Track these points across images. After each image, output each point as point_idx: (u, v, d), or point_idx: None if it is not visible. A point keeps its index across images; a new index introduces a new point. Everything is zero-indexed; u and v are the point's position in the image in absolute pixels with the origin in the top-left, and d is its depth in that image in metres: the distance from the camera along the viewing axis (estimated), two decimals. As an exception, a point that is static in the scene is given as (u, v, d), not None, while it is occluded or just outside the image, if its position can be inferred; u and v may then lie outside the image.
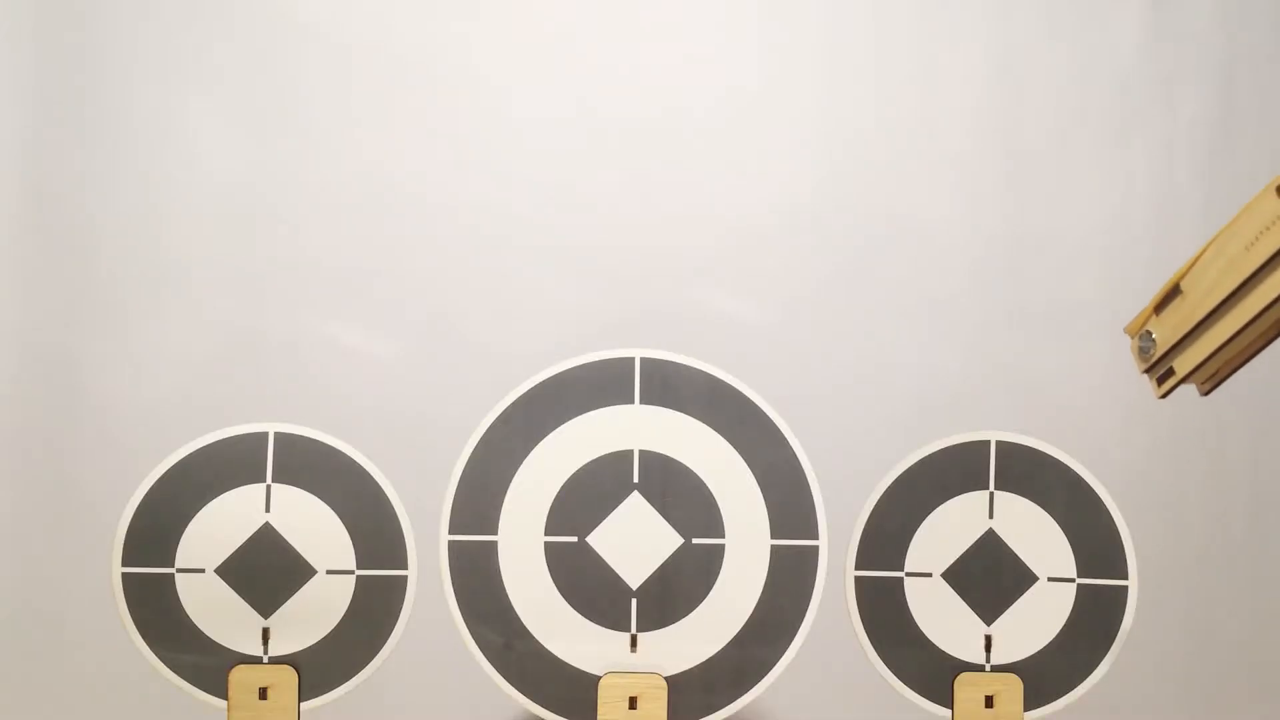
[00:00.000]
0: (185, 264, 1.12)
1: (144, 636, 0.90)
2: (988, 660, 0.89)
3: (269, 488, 0.92)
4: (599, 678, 0.90)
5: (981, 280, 1.17)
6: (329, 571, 0.91)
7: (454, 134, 1.15)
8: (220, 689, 0.90)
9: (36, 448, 1.11)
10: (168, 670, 0.90)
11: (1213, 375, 0.57)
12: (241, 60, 1.13)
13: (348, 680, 0.91)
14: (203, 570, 0.91)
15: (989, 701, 0.88)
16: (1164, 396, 0.60)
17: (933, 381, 1.16)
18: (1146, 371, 0.60)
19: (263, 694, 0.90)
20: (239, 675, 0.90)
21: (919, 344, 1.17)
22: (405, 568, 0.92)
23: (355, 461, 0.93)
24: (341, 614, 0.91)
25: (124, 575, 0.90)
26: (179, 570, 0.90)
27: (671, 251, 1.17)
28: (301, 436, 0.92)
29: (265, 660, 0.91)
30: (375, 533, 0.92)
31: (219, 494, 0.91)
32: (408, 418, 1.13)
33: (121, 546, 0.90)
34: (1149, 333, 0.58)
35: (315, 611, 0.91)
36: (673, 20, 1.19)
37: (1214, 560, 1.18)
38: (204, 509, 0.91)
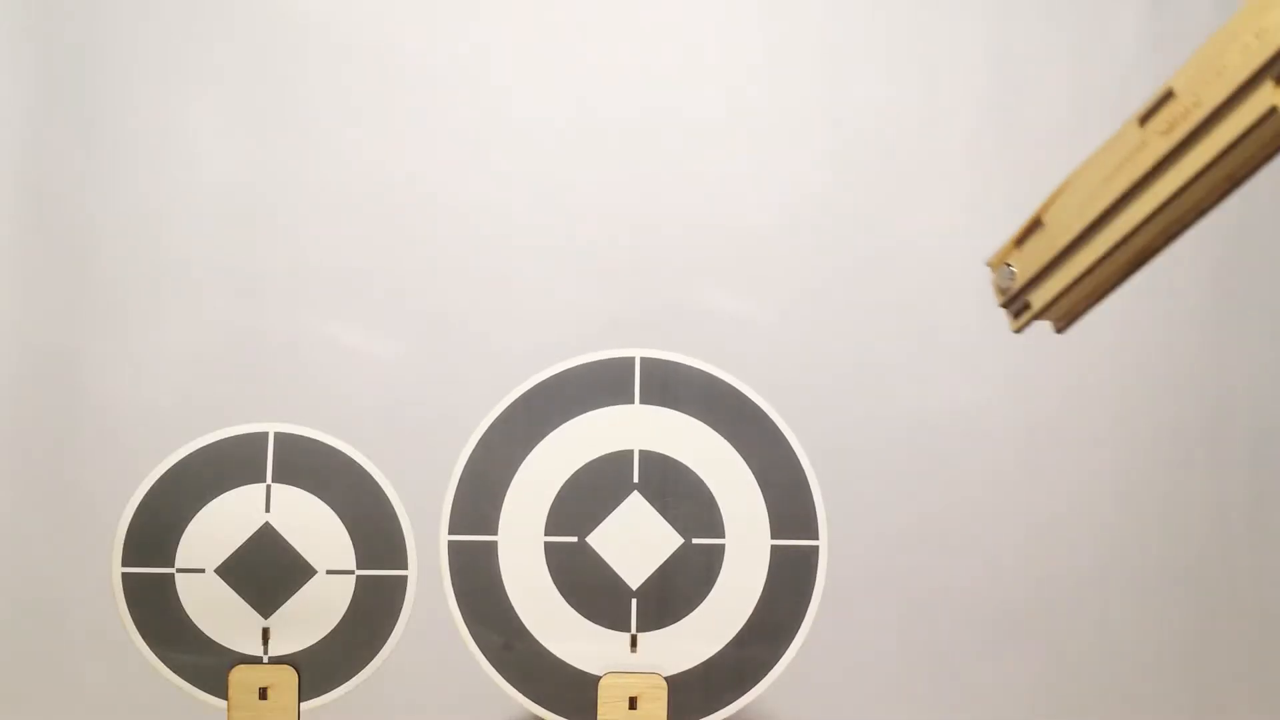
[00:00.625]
0: (185, 264, 1.11)
1: (144, 636, 0.90)
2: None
3: (269, 488, 0.92)
4: (599, 678, 0.90)
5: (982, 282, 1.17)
6: (329, 571, 0.91)
7: (454, 134, 1.15)
8: (220, 689, 0.90)
9: (36, 447, 1.11)
10: (168, 670, 0.90)
11: (1068, 312, 0.56)
12: (242, 60, 1.13)
13: (348, 680, 0.91)
14: (203, 570, 0.91)
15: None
16: (1019, 331, 0.59)
17: (924, 385, 1.16)
18: (1005, 305, 0.59)
19: (263, 694, 0.90)
20: (239, 675, 0.90)
21: (915, 349, 1.17)
22: (405, 568, 0.92)
23: (355, 461, 0.93)
24: (341, 614, 0.91)
25: (124, 575, 0.90)
26: (179, 570, 0.90)
27: (672, 251, 1.17)
28: (301, 436, 0.92)
29: (265, 660, 0.91)
30: (375, 533, 0.92)
31: (219, 494, 0.91)
32: (408, 418, 1.13)
33: (121, 546, 0.90)
34: (1008, 265, 0.57)
35: (315, 611, 0.91)
36: (674, 21, 1.19)
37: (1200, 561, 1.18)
38: (204, 509, 0.91)
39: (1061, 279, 0.54)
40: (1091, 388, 1.17)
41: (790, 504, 0.92)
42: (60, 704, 1.10)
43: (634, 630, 0.91)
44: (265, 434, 0.92)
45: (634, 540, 0.91)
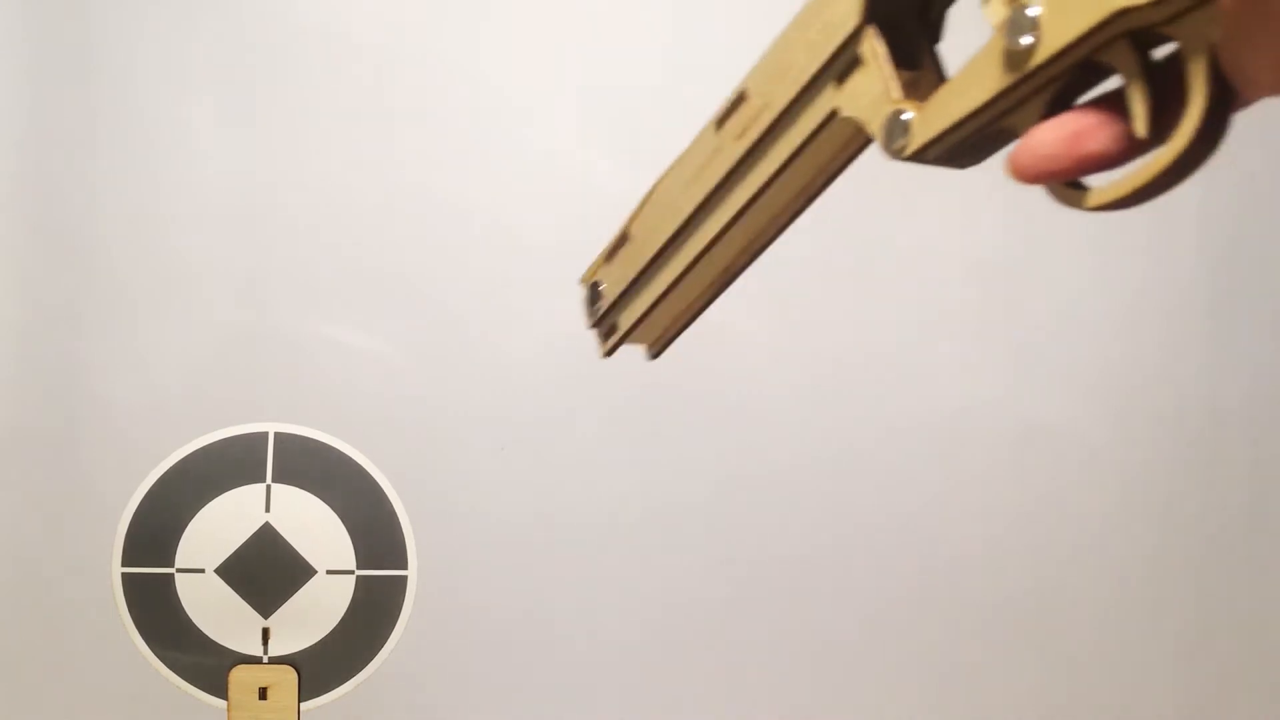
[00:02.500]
0: (184, 263, 1.12)
1: (144, 636, 0.90)
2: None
3: (269, 488, 0.92)
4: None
5: (982, 282, 1.17)
6: (329, 571, 0.91)
7: (456, 134, 1.15)
8: (220, 689, 0.90)
9: (35, 447, 1.11)
10: (167, 670, 0.90)
11: (660, 335, 0.51)
12: (243, 59, 1.13)
13: (348, 680, 0.91)
14: (203, 570, 0.91)
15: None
16: (607, 355, 0.52)
17: (922, 386, 1.16)
18: (593, 326, 0.52)
19: (263, 694, 0.90)
20: (239, 675, 0.90)
21: (913, 349, 1.17)
22: (405, 568, 0.92)
23: (355, 461, 0.93)
24: (342, 614, 0.91)
25: (124, 575, 0.90)
26: (179, 570, 0.91)
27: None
28: (301, 436, 0.92)
29: (265, 660, 0.91)
30: (375, 533, 0.92)
31: (219, 494, 0.91)
32: (408, 418, 1.13)
33: (121, 546, 0.90)
34: (597, 283, 0.51)
35: (315, 612, 0.91)
36: (675, 23, 1.19)
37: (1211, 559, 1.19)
38: (204, 509, 0.91)
39: (646, 298, 0.49)
40: (1091, 387, 1.17)
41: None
42: (58, 704, 1.10)
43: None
44: (265, 434, 0.92)
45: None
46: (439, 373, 1.13)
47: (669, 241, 0.47)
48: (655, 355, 0.52)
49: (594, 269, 0.52)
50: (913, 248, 1.15)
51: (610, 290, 0.51)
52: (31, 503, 1.09)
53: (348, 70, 1.14)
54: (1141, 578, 1.18)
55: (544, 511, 1.03)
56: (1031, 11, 0.32)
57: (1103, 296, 1.17)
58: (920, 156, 0.37)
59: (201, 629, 0.91)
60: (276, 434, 0.92)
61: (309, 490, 0.92)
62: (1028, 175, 0.33)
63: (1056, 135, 0.32)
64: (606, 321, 0.51)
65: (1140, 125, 0.31)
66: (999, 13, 0.33)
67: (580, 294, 0.53)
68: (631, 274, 0.49)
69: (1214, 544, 1.18)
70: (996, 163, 0.37)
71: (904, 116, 0.36)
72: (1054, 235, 1.15)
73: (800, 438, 1.06)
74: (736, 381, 1.07)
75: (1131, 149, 0.32)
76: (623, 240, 0.50)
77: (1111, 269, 1.16)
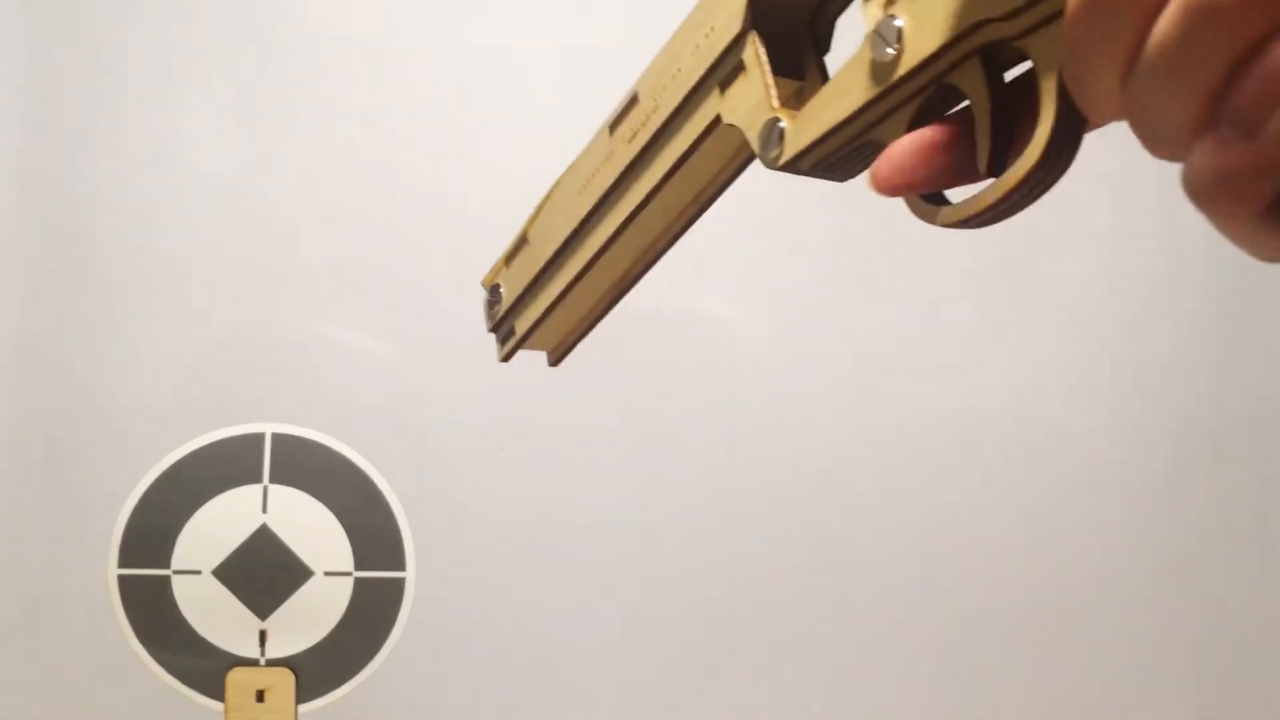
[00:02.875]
0: (183, 264, 1.11)
1: (140, 638, 0.90)
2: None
3: (266, 489, 0.91)
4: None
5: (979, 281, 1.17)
6: (327, 573, 0.91)
7: (457, 134, 1.15)
8: (217, 691, 0.89)
9: (33, 448, 1.10)
10: (164, 673, 0.89)
11: (558, 342, 0.50)
12: (243, 58, 1.12)
13: (346, 682, 0.91)
14: (199, 572, 0.90)
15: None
16: (504, 360, 0.52)
17: (922, 386, 1.16)
18: (492, 330, 0.51)
19: (260, 696, 0.90)
20: (236, 677, 0.90)
21: (914, 349, 1.16)
22: (403, 570, 0.91)
23: (353, 462, 0.92)
24: (339, 616, 0.91)
25: (120, 577, 0.89)
26: (175, 572, 0.90)
27: (673, 250, 1.16)
28: (299, 437, 0.92)
29: (262, 663, 0.90)
30: (373, 534, 0.91)
31: (216, 495, 0.91)
32: (408, 418, 1.13)
33: (118, 548, 0.89)
34: (497, 286, 0.51)
35: (313, 614, 0.90)
36: (673, 26, 1.19)
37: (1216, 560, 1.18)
38: (201, 510, 0.91)
39: (542, 303, 0.48)
40: (1099, 389, 1.17)
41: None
42: (56, 706, 1.09)
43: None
44: (262, 434, 0.91)
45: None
46: (438, 373, 1.12)
47: (564, 246, 0.46)
48: (555, 362, 0.51)
49: (494, 272, 0.51)
50: (916, 248, 1.14)
51: (509, 294, 0.50)
52: (27, 503, 1.09)
53: (349, 70, 1.13)
54: (1149, 579, 1.18)
55: (543, 513, 1.02)
56: (897, 23, 0.32)
57: (1111, 297, 1.16)
58: (794, 167, 0.36)
59: (198, 631, 0.90)
60: (274, 434, 0.91)
61: (306, 491, 0.92)
62: (884, 186, 0.33)
63: (914, 147, 0.32)
64: (505, 325, 0.51)
65: (981, 159, 0.31)
66: (872, 17, 0.33)
67: (481, 297, 0.52)
68: (528, 278, 0.48)
69: (1223, 546, 1.18)
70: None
71: (779, 125, 0.36)
72: (1062, 236, 1.15)
73: (803, 440, 1.05)
74: (738, 382, 1.07)
75: (979, 171, 0.32)
76: (521, 243, 0.49)
77: (1120, 270, 1.16)
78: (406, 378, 1.12)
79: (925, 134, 0.32)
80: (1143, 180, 1.15)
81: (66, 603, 1.09)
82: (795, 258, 1.14)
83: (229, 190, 1.12)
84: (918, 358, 1.14)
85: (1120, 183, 1.14)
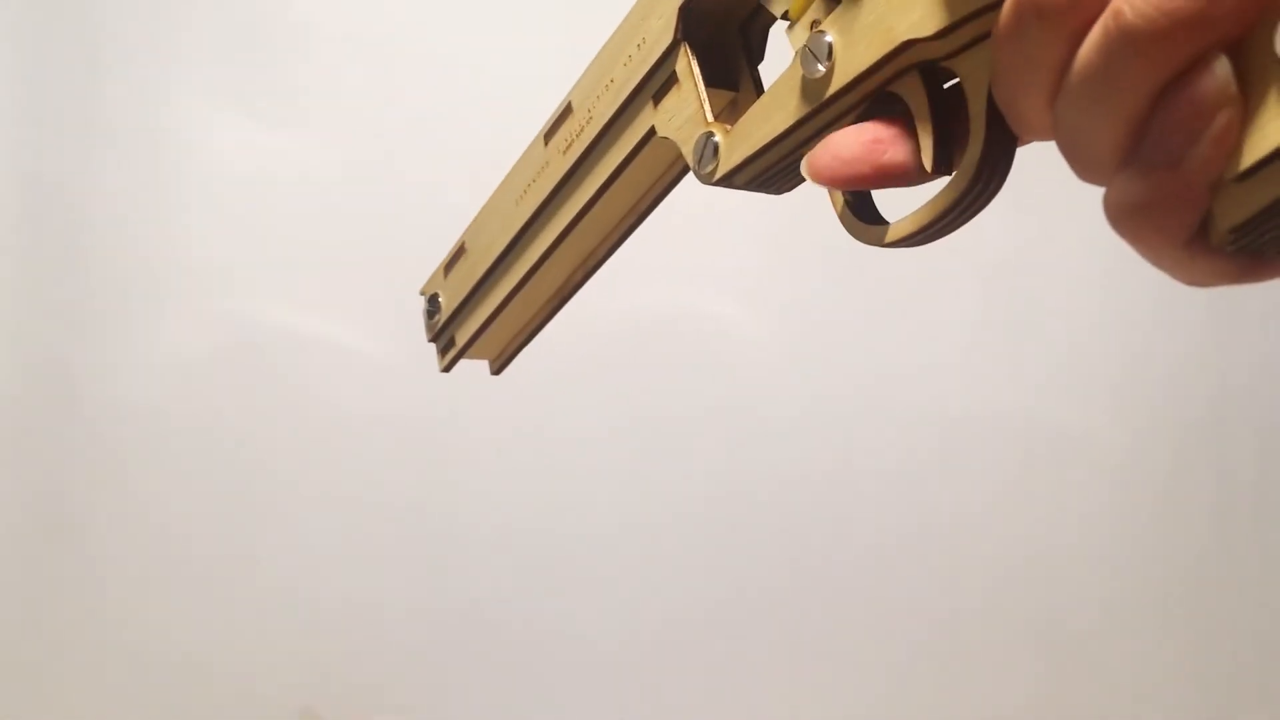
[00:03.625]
0: (183, 263, 1.11)
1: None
2: None
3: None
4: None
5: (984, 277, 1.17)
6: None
7: (458, 134, 1.15)
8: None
9: (31, 449, 1.10)
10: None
11: (499, 351, 0.49)
12: (243, 58, 1.12)
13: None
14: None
15: None
16: (445, 370, 0.51)
17: (922, 387, 1.16)
18: (432, 340, 0.51)
19: None
20: None
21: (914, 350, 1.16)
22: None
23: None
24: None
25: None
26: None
27: (672, 249, 1.16)
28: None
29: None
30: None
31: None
32: (405, 419, 1.13)
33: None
34: (435, 295, 0.50)
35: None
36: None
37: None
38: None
39: (482, 313, 0.47)
40: (1101, 390, 1.17)
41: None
42: (50, 709, 1.10)
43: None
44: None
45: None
46: (438, 374, 1.12)
47: (502, 255, 0.46)
48: (497, 371, 0.51)
49: (432, 281, 0.51)
50: (919, 251, 1.14)
51: (448, 304, 0.49)
52: (23, 503, 1.09)
53: (351, 70, 1.13)
54: (1144, 577, 1.18)
55: (542, 514, 1.02)
56: (827, 39, 0.32)
57: (1115, 301, 1.16)
58: (728, 181, 0.36)
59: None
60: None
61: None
62: (823, 176, 0.33)
63: (857, 139, 0.32)
64: (444, 335, 0.50)
65: (926, 158, 0.31)
66: (798, 40, 0.33)
67: (420, 306, 0.51)
68: (467, 288, 0.48)
69: (1224, 546, 1.18)
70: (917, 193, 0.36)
71: (714, 140, 0.35)
72: (1066, 239, 1.15)
73: (806, 444, 1.05)
74: (740, 385, 1.07)
75: (921, 172, 0.32)
76: (459, 252, 0.49)
77: (1123, 273, 1.16)
78: (407, 378, 1.12)
79: (868, 128, 0.32)
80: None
81: (67, 604, 1.09)
82: (799, 261, 1.14)
83: (229, 189, 1.12)
84: (921, 361, 1.14)
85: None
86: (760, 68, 0.38)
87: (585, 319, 1.15)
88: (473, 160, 1.16)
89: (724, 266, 1.13)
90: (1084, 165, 0.28)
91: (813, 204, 1.16)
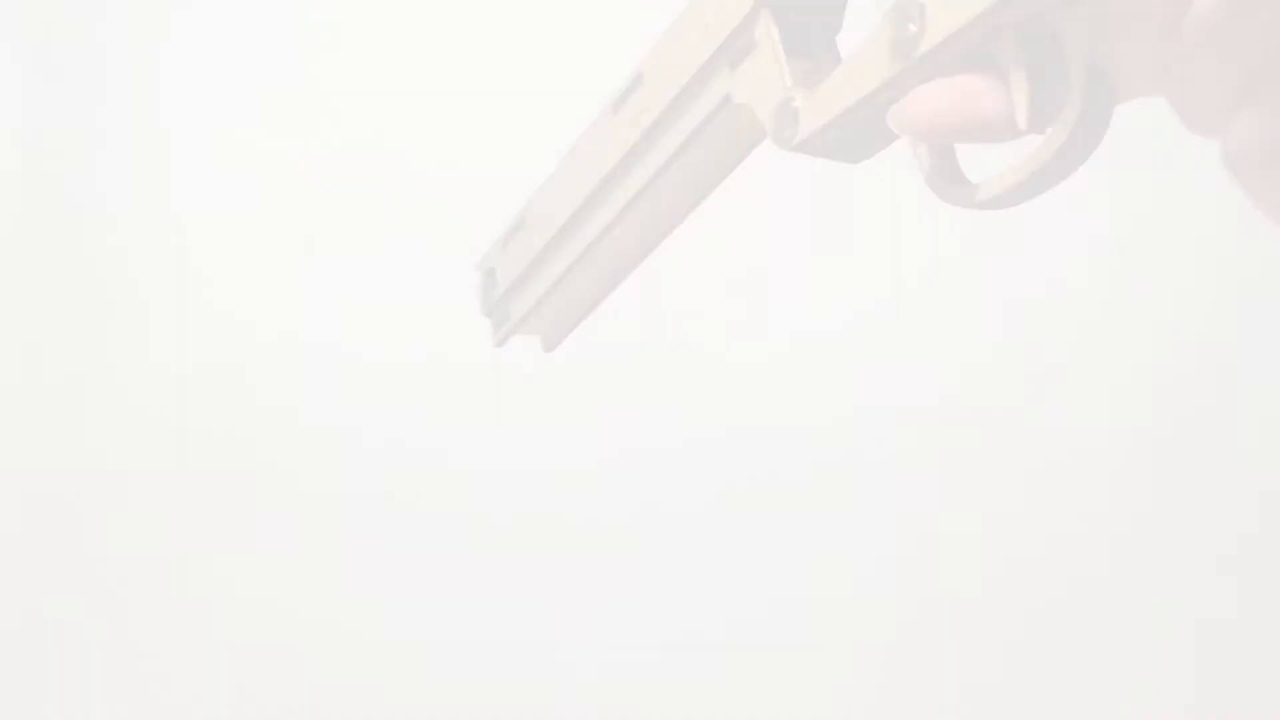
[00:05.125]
0: (183, 264, 1.11)
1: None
2: None
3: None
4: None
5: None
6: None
7: (459, 135, 1.15)
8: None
9: (30, 448, 1.10)
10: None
11: (554, 326, 0.49)
12: (243, 57, 1.12)
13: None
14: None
15: None
16: (499, 344, 0.51)
17: (920, 382, 1.16)
18: (487, 315, 0.51)
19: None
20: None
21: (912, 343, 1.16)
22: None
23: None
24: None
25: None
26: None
27: (673, 251, 1.16)
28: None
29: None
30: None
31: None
32: (404, 419, 1.13)
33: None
34: (493, 269, 0.50)
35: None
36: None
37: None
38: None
39: (538, 287, 0.47)
40: (1091, 385, 1.17)
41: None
42: (48, 712, 1.10)
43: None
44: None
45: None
46: (438, 374, 1.13)
47: (563, 229, 0.45)
48: (550, 348, 0.50)
49: (490, 254, 0.50)
50: (918, 250, 1.14)
51: (504, 277, 0.49)
52: (22, 504, 1.09)
53: (352, 69, 1.13)
54: (1144, 578, 1.18)
55: (542, 515, 1.03)
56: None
57: (1108, 293, 1.16)
58: (808, 146, 0.36)
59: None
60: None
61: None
62: (912, 126, 0.32)
63: (948, 90, 0.31)
64: (500, 309, 0.50)
65: (1020, 116, 0.31)
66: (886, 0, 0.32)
67: (476, 280, 0.51)
68: (525, 261, 0.47)
69: (1219, 542, 1.17)
70: (998, 154, 0.36)
71: (793, 104, 0.35)
72: (1057, 228, 1.14)
73: (805, 441, 1.05)
74: (740, 383, 1.07)
75: (1013, 127, 0.31)
76: (519, 226, 0.48)
77: (1118, 267, 1.16)
78: (406, 379, 1.12)
79: (959, 80, 0.31)
80: (1140, 175, 1.15)
81: (69, 604, 1.09)
82: (799, 261, 1.14)
83: (229, 189, 1.12)
84: (921, 361, 1.14)
85: (1116, 176, 1.14)
86: (838, 39, 0.38)
87: (594, 311, 1.15)
88: (481, 162, 1.16)
89: (724, 266, 1.14)
90: (1198, 116, 0.27)
91: (813, 204, 1.15)
